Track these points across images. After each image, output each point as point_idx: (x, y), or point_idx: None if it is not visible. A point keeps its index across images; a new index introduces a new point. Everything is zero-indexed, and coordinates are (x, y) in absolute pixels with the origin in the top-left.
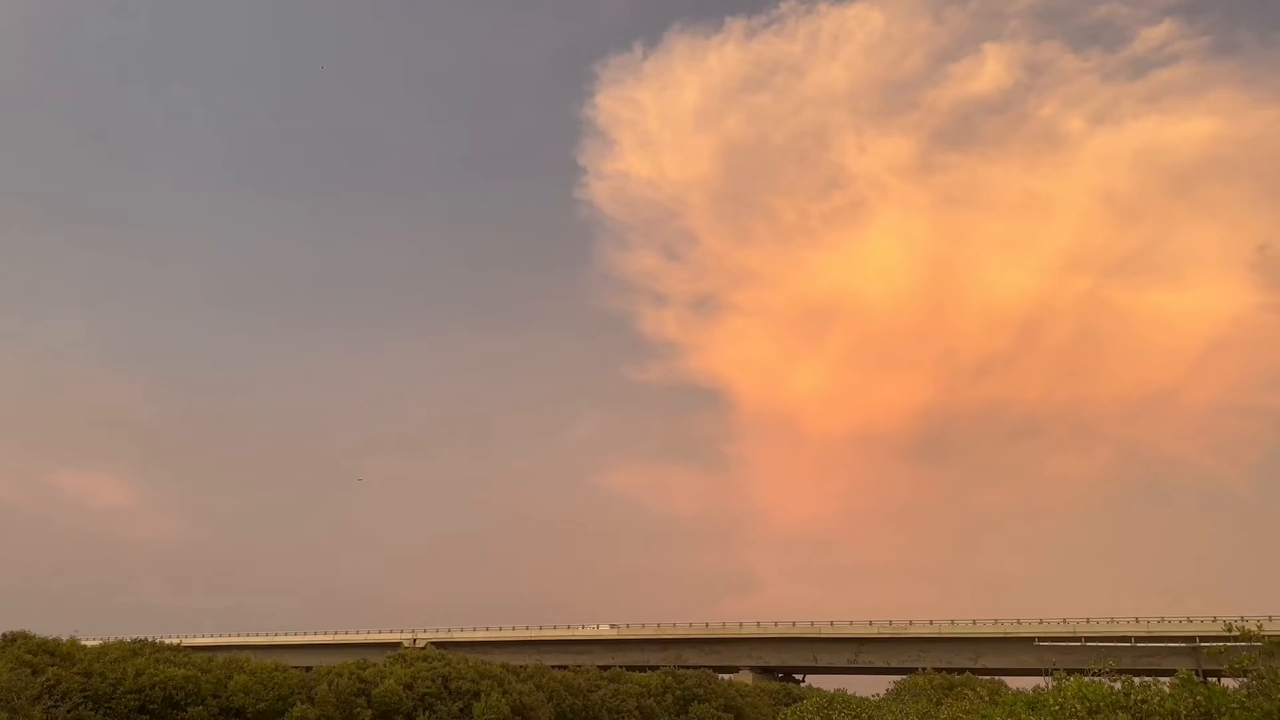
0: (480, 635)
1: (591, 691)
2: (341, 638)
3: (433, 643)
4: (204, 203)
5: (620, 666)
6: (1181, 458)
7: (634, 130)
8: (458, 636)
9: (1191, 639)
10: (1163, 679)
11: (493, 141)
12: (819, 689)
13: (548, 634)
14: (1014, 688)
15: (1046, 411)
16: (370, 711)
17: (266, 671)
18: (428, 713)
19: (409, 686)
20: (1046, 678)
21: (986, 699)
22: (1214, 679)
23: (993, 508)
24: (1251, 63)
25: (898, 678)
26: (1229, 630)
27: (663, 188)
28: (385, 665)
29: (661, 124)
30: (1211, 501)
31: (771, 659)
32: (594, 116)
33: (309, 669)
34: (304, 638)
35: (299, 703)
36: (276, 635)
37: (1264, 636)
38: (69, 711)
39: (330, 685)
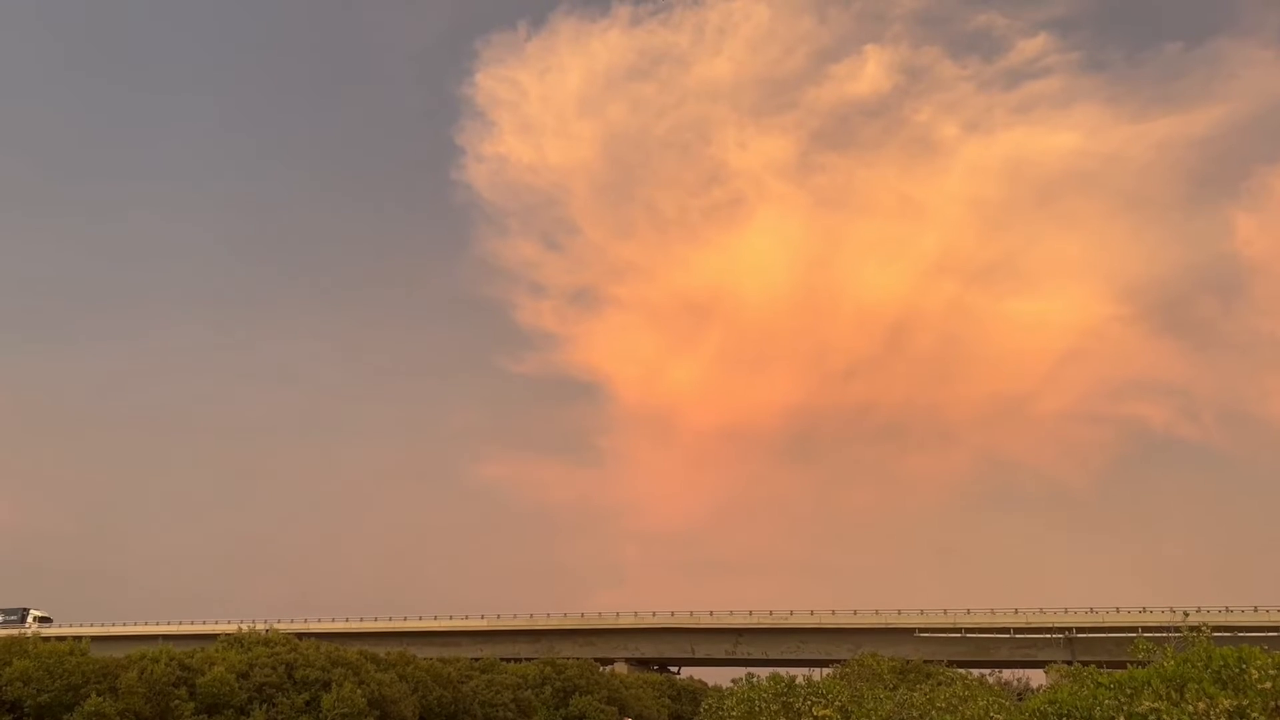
0: (338, 626)
1: (462, 683)
2: (174, 628)
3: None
4: (72, 178)
5: (491, 659)
6: (1032, 463)
7: (515, 112)
8: (314, 628)
9: (1068, 629)
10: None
11: (367, 115)
12: (700, 680)
13: (412, 625)
14: None
15: (909, 414)
16: (192, 705)
17: (56, 656)
18: (266, 706)
19: (244, 676)
20: None
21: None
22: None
23: (857, 506)
24: (1116, 80)
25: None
26: (1102, 622)
27: (543, 174)
28: (215, 650)
29: (543, 108)
30: (1058, 504)
31: (648, 650)
32: (473, 95)
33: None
34: (135, 628)
35: (95, 694)
36: (112, 626)
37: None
38: None
39: (141, 673)
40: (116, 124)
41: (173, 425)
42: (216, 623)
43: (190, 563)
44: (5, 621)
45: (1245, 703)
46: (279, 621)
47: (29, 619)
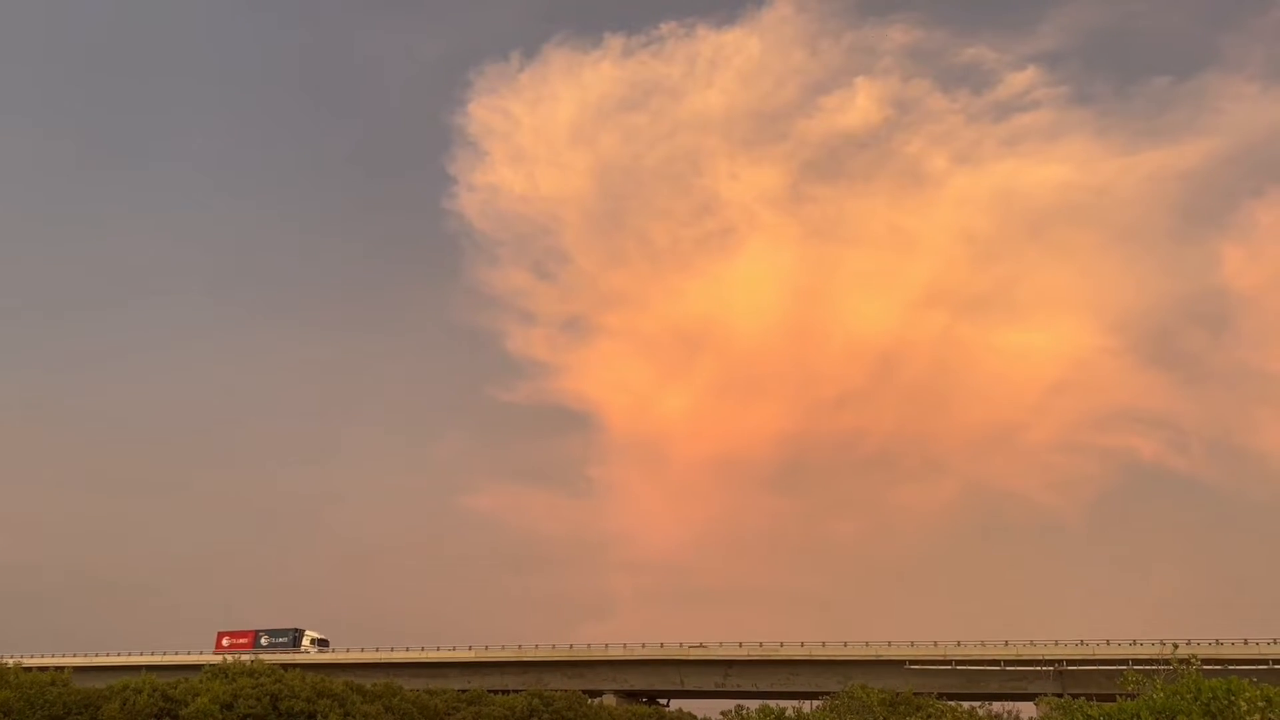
0: (324, 657)
1: (449, 714)
2: (158, 659)
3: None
4: (53, 191)
5: (478, 690)
6: (1021, 493)
7: (507, 142)
8: (299, 659)
9: (1058, 661)
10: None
11: (359, 143)
12: (689, 713)
13: (399, 656)
14: None
15: (899, 444)
16: None
17: (37, 687)
18: None
19: (228, 707)
20: None
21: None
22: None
23: (847, 535)
24: (1104, 114)
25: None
26: (1092, 654)
27: (535, 203)
28: (200, 681)
29: (535, 138)
30: (1048, 535)
31: (637, 682)
32: (466, 125)
33: None
34: (117, 659)
35: None
36: (94, 656)
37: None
38: None
39: (124, 704)
40: (107, 150)
41: (158, 452)
42: (201, 653)
43: (174, 592)
44: (273, 644)
45: None
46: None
47: (304, 641)
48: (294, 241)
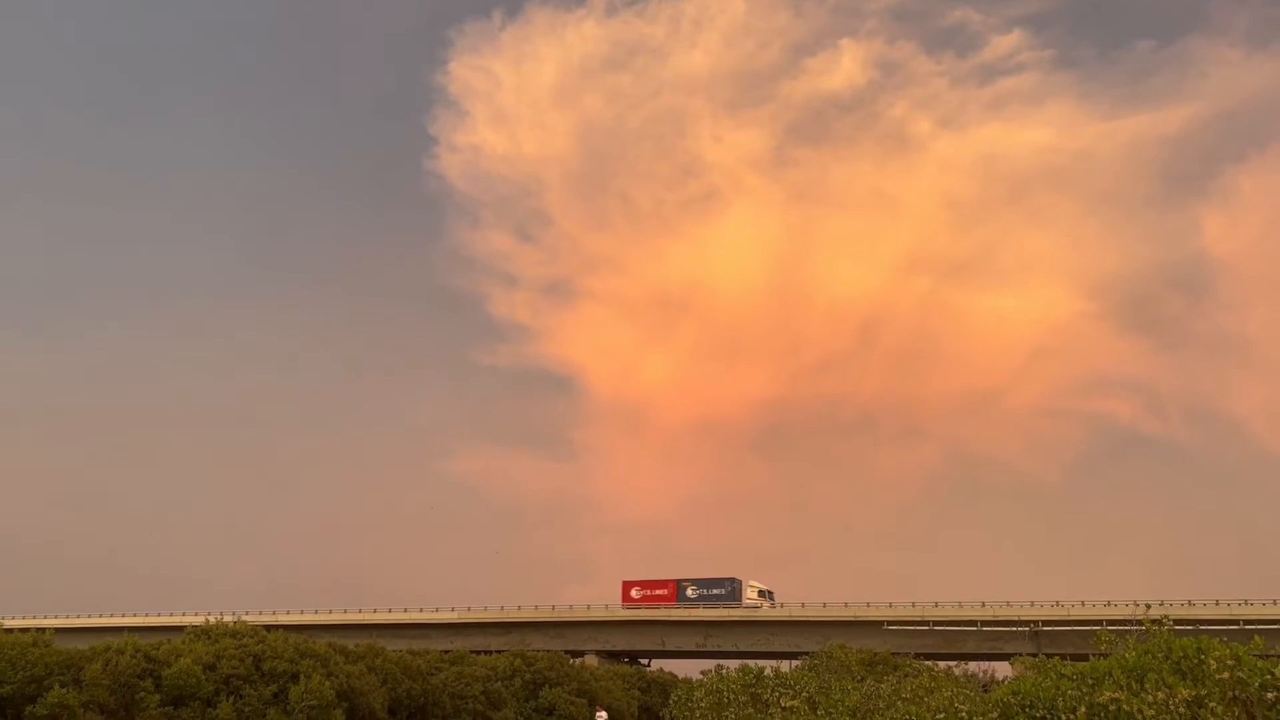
0: (307, 618)
1: (432, 675)
2: (140, 620)
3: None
4: (24, 171)
5: (461, 650)
6: (1001, 457)
7: (489, 102)
8: (282, 620)
9: (1034, 622)
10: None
11: (338, 103)
12: (670, 673)
13: (382, 617)
14: None
15: (880, 409)
16: (158, 697)
17: (19, 648)
18: (233, 698)
19: (211, 668)
20: None
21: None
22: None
23: (828, 499)
24: (1088, 78)
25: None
26: (1067, 615)
27: (518, 165)
28: (182, 642)
29: (518, 98)
30: (1026, 499)
31: (619, 643)
32: (446, 84)
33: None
34: (100, 620)
35: (58, 685)
36: (76, 617)
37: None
38: None
39: (106, 665)
40: (84, 114)
41: (138, 416)
42: (183, 615)
43: (156, 554)
44: (704, 596)
45: (1204, 692)
46: (247, 613)
47: (747, 592)
48: (270, 204)
